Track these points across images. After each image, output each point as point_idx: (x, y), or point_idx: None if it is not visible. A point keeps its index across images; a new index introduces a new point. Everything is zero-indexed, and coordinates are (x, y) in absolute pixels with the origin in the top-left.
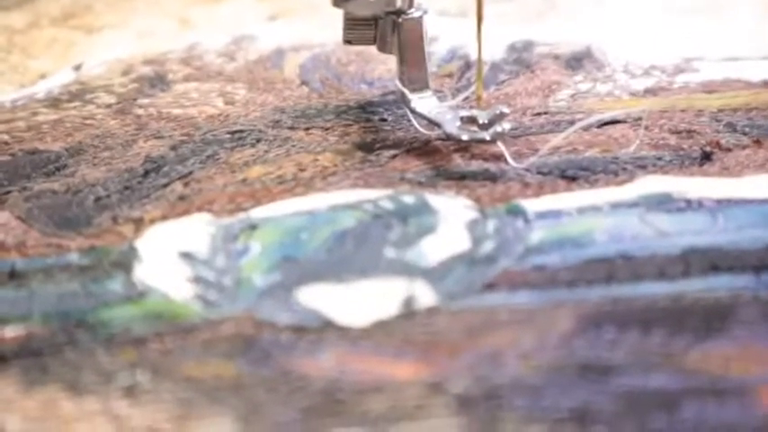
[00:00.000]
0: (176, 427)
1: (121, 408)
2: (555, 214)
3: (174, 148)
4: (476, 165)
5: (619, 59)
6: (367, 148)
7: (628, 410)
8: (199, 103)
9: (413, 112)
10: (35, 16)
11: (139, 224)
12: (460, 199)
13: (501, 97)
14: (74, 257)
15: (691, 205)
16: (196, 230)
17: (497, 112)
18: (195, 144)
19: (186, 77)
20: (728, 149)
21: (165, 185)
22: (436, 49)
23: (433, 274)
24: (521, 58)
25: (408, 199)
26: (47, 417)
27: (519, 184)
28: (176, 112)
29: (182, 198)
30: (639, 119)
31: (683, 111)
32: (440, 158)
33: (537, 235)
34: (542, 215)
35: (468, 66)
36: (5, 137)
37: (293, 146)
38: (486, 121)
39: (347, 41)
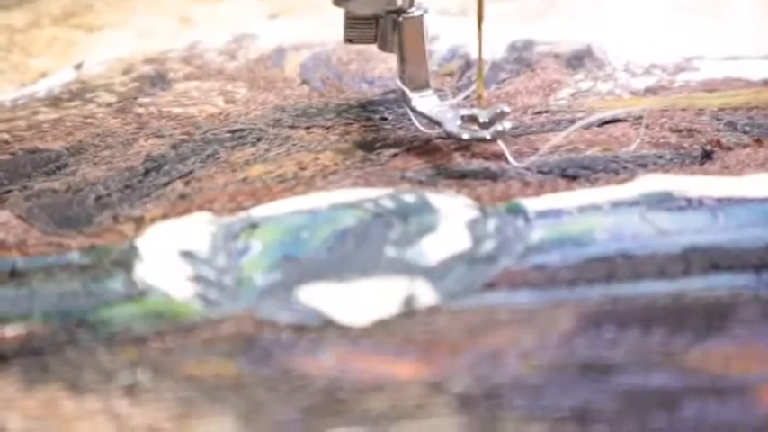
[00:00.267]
0: (177, 426)
1: (122, 407)
2: (555, 213)
3: (174, 146)
4: (476, 164)
5: (619, 58)
6: (367, 146)
7: (628, 409)
8: (199, 102)
9: (413, 110)
10: (36, 15)
11: (140, 223)
12: (461, 198)
13: (501, 96)
14: (74, 256)
15: (691, 204)
16: (197, 229)
17: (498, 110)
18: (196, 143)
19: (187, 76)
20: (729, 148)
21: (166, 184)
22: (437, 48)
23: (434, 273)
24: (521, 57)
25: (409, 198)
26: (47, 416)
27: (519, 183)
28: (177, 110)
29: (182, 197)
30: (640, 118)
31: (683, 110)
32: (440, 157)
33: (537, 234)
34: (543, 214)
35: (468, 65)
36: (6, 136)
37: (294, 145)
38: (486, 120)
39: (348, 40)
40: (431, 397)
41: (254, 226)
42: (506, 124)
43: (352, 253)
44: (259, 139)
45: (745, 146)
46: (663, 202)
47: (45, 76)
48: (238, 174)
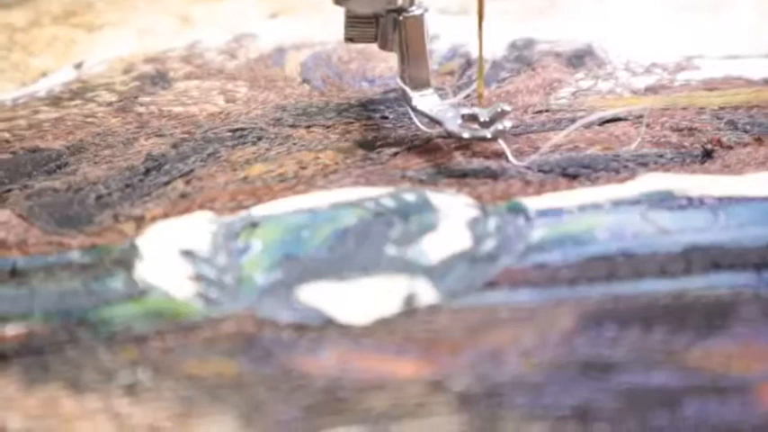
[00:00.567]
0: (177, 426)
1: (122, 406)
2: (556, 212)
3: (175, 146)
4: (477, 163)
5: (620, 57)
6: (368, 145)
7: (629, 408)
8: (200, 101)
9: (414, 109)
10: (36, 14)
11: (140, 222)
12: (462, 197)
13: (502, 95)
14: (75, 255)
15: (692, 203)
16: (197, 228)
17: (498, 109)
18: (196, 142)
19: (187, 75)
20: (729, 147)
21: (167, 183)
22: (437, 47)
23: (435, 272)
24: (522, 56)
25: (409, 197)
26: (48, 415)
27: (520, 181)
28: (177, 110)
29: (183, 196)
30: (641, 116)
31: (684, 108)
32: (441, 156)
33: (538, 233)
34: (543, 213)
35: (469, 63)
36: (7, 135)
37: (294, 144)
38: (487, 119)
39: (348, 39)
40: (431, 396)
41: (254, 225)
42: (507, 123)
43: (353, 252)
44: (260, 138)
45: (745, 145)
46: (664, 200)
47: (46, 76)
48: (239, 173)
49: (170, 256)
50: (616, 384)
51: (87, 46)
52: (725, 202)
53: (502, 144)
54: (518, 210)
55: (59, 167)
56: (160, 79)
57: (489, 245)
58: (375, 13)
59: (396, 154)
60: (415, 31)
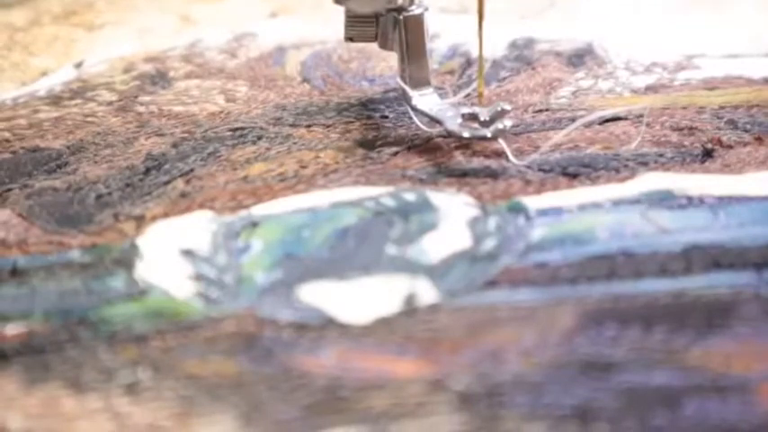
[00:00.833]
0: (177, 425)
1: (123, 405)
2: (556, 211)
3: (175, 145)
4: (477, 162)
5: (620, 56)
6: (368, 145)
7: (629, 407)
8: (200, 101)
9: (414, 109)
10: (36, 14)
11: (141, 222)
12: (462, 196)
13: (502, 94)
14: (75, 255)
15: (692, 202)
16: (197, 228)
17: (498, 109)
18: (196, 141)
19: (187, 75)
20: (730, 146)
21: (167, 183)
22: (437, 47)
23: (435, 272)
24: (522, 55)
25: (410, 196)
26: (48, 414)
27: (520, 181)
28: (177, 109)
29: (183, 195)
30: (641, 116)
31: (684, 108)
32: (441, 156)
33: (538, 232)
34: (544, 212)
35: (469, 63)
36: (7, 134)
37: (294, 143)
38: (487, 119)
39: (348, 38)
40: (432, 395)
41: (254, 224)
42: (507, 122)
43: (353, 251)
44: (260, 138)
45: (745, 144)
46: (664, 200)
47: (46, 75)
48: (239, 172)
49: (170, 255)
50: (616, 384)
51: (87, 45)
52: (725, 201)
53: (502, 143)
54: (518, 209)
55: (59, 167)
56: (160, 78)
57: (489, 244)
58: (375, 12)
59: (396, 153)
60: (415, 30)
